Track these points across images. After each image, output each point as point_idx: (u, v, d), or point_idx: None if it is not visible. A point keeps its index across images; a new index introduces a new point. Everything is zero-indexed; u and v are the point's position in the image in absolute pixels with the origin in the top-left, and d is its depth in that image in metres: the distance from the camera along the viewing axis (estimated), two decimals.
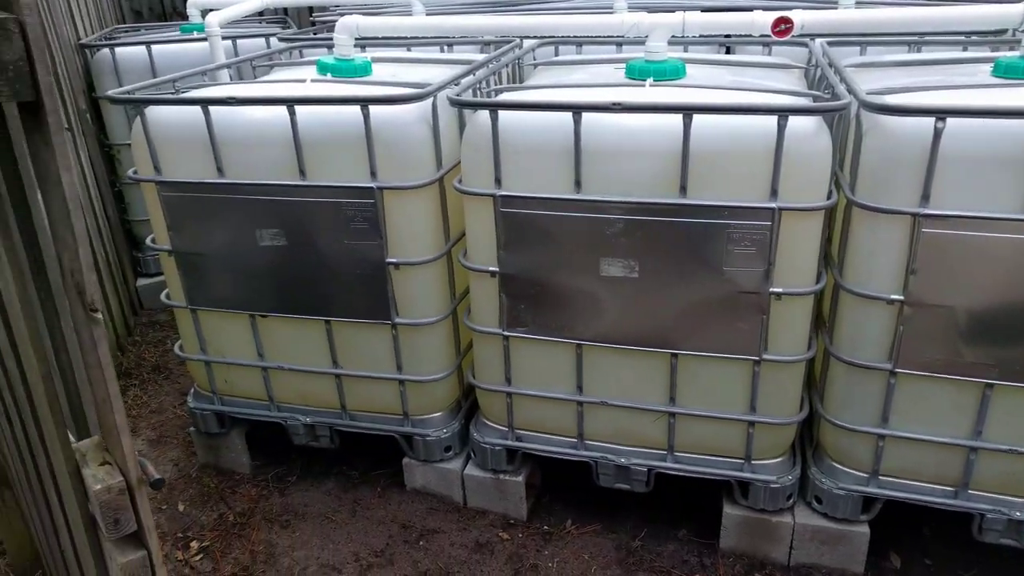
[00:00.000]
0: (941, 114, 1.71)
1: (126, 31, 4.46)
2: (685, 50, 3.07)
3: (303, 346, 2.47)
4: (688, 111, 1.86)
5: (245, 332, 2.50)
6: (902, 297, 1.88)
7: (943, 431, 1.99)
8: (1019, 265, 1.77)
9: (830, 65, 2.37)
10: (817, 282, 2.00)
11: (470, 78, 2.40)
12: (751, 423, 2.12)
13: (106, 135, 3.99)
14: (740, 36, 3.27)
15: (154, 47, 3.85)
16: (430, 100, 2.19)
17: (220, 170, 2.27)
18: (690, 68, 2.39)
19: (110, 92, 2.35)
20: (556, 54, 3.24)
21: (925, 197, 1.79)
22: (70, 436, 1.17)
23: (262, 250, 2.33)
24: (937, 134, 1.72)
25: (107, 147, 4.00)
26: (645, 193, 1.96)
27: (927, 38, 2.79)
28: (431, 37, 3.40)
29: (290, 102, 2.14)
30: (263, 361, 2.53)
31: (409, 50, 3.29)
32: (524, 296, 2.17)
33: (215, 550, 2.46)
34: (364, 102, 2.10)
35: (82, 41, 3.92)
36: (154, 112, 2.28)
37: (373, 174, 2.16)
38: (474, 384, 2.41)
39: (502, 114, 2.02)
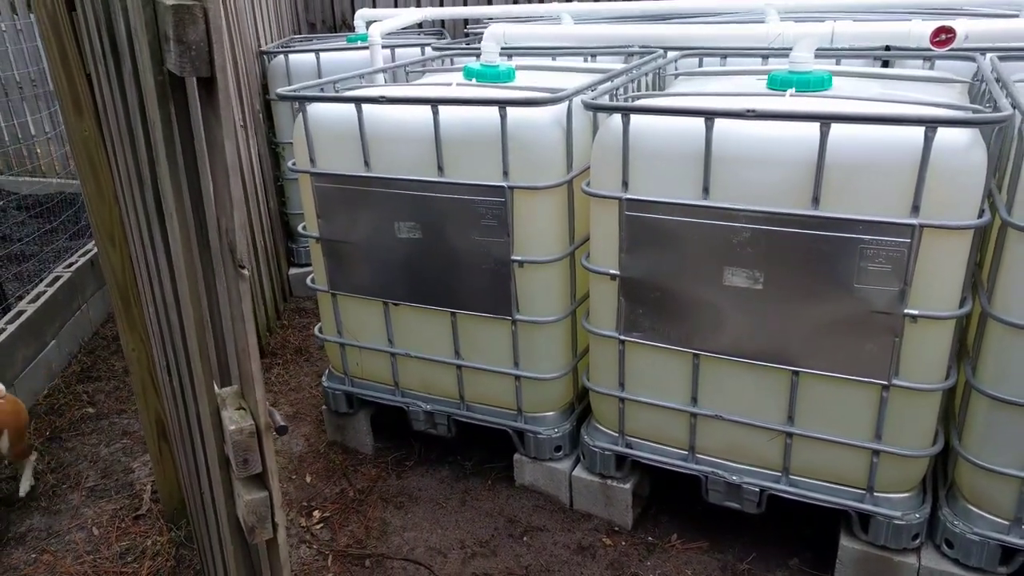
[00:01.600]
0: None
1: (300, 40, 4.87)
2: (837, 63, 2.96)
3: (429, 335, 2.60)
4: (825, 120, 1.80)
5: (378, 318, 2.66)
6: None
7: None
8: None
9: (997, 79, 2.20)
10: (961, 307, 1.87)
11: (607, 84, 2.45)
12: (875, 452, 2.00)
13: (275, 134, 4.38)
14: (900, 50, 3.11)
15: (322, 55, 4.19)
16: (565, 104, 2.26)
17: (367, 164, 2.44)
18: (837, 80, 2.31)
19: (278, 90, 2.59)
20: (700, 66, 3.22)
21: None
22: (215, 384, 1.31)
23: (399, 241, 2.48)
24: None
25: (274, 145, 4.38)
26: (775, 203, 1.92)
27: None
28: (577, 48, 3.50)
29: (434, 102, 2.28)
30: (391, 347, 2.68)
31: (555, 60, 3.38)
32: (643, 301, 2.17)
33: (334, 521, 2.62)
34: (502, 103, 2.19)
35: (262, 48, 4.33)
36: (314, 109, 2.49)
37: (505, 173, 2.25)
38: (588, 386, 2.43)
39: (634, 119, 2.05)
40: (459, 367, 2.58)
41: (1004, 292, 1.83)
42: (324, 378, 2.94)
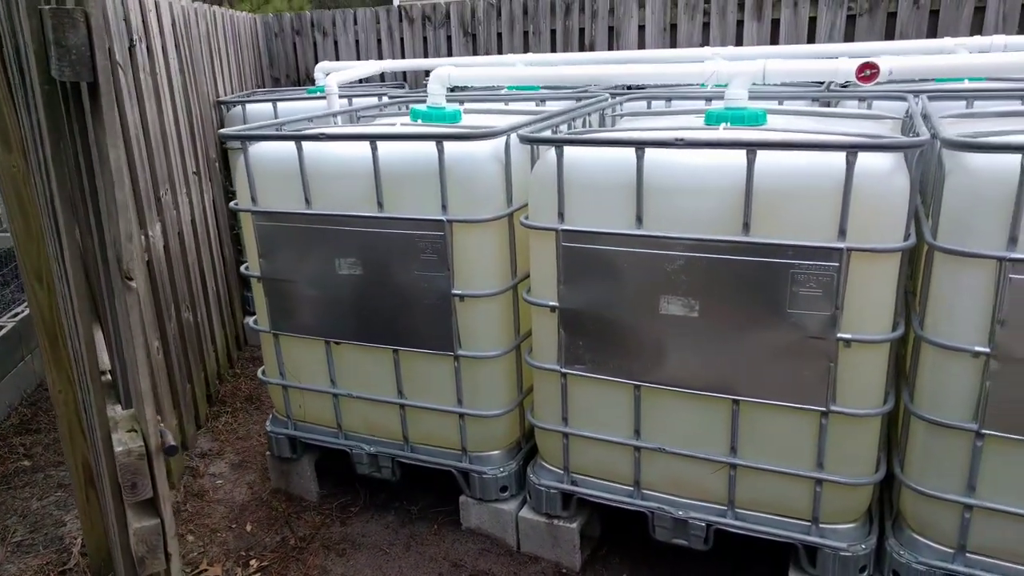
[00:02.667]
0: None
1: (262, 92, 4.92)
2: (780, 103, 3.03)
3: (372, 375, 2.55)
4: (751, 147, 1.82)
5: (320, 358, 2.60)
6: (988, 350, 1.72)
7: None
8: None
9: (922, 115, 2.26)
10: (894, 330, 1.87)
11: (548, 122, 2.47)
12: (818, 481, 1.96)
13: (231, 182, 4.37)
14: (839, 90, 3.20)
15: (280, 104, 4.22)
16: (503, 139, 2.27)
17: (308, 201, 2.43)
18: (772, 117, 2.36)
19: (221, 131, 2.58)
20: (649, 107, 3.29)
21: (1012, 240, 1.65)
22: (107, 404, 1.26)
23: (340, 278, 2.45)
24: None
25: (231, 192, 4.37)
26: (707, 230, 1.92)
27: None
28: (526, 95, 3.56)
29: (372, 138, 2.28)
30: (334, 388, 2.62)
31: (507, 104, 3.43)
32: (583, 333, 2.15)
33: (272, 570, 2.51)
34: (439, 138, 2.20)
35: (220, 99, 4.35)
36: (256, 149, 2.48)
37: (444, 207, 2.24)
38: (532, 422, 2.38)
39: (569, 151, 2.06)
40: (402, 406, 2.53)
41: (934, 314, 1.83)
42: (268, 422, 2.86)
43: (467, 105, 3.18)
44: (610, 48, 5.07)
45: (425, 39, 5.67)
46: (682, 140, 1.88)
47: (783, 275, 1.86)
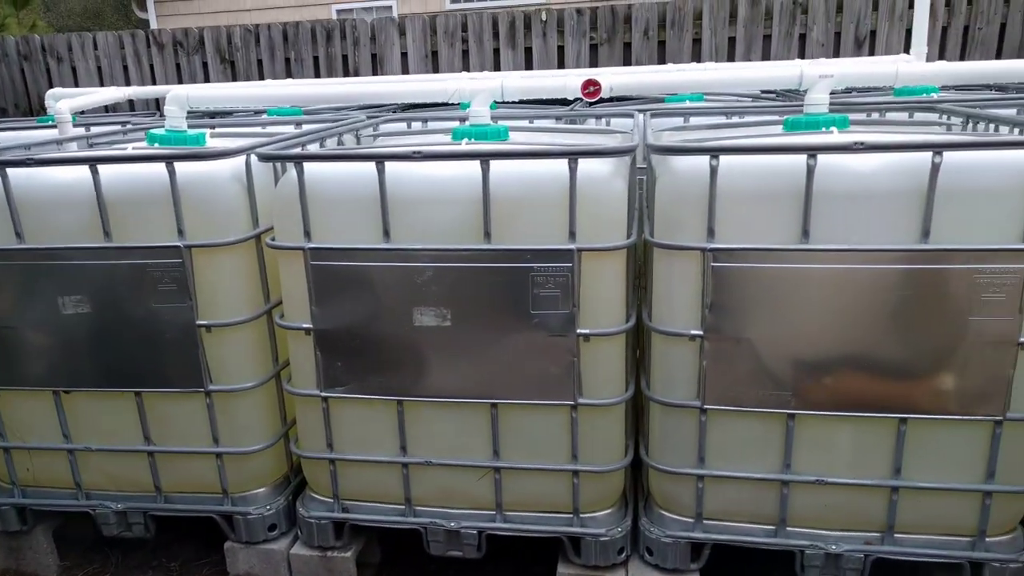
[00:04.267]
0: (715, 152, 1.81)
1: None
2: (530, 122, 3.20)
3: (113, 423, 2.30)
4: (485, 157, 1.90)
5: (48, 411, 2.31)
6: (701, 332, 1.91)
7: (755, 467, 1.99)
8: (802, 293, 1.84)
9: (647, 131, 2.49)
10: (627, 322, 2.02)
11: (293, 142, 2.41)
12: (575, 473, 2.06)
13: None
14: (582, 109, 3.45)
15: (2, 134, 3.75)
16: (243, 158, 2.17)
17: (19, 235, 2.15)
18: (516, 133, 2.48)
19: None
20: (409, 127, 3.33)
21: (711, 232, 1.85)
22: None
23: (65, 319, 2.19)
24: (713, 171, 1.81)
25: None
26: (452, 240, 1.96)
27: (746, 108, 3.01)
28: (286, 120, 3.45)
29: (92, 161, 2.08)
30: (68, 443, 2.33)
31: (264, 128, 3.30)
32: (340, 353, 2.10)
33: None
34: (169, 159, 2.06)
35: None
36: None
37: (180, 232, 2.09)
38: (296, 453, 2.28)
39: (314, 168, 2.02)
40: (151, 454, 2.30)
41: (658, 304, 2.01)
42: None
43: (219, 129, 3.03)
44: (374, 74, 5.10)
45: (179, 66, 5.34)
46: (419, 153, 1.92)
47: (525, 278, 1.95)
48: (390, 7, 10.24)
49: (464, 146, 2.19)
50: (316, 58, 5.19)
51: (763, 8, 5.27)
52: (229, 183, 2.17)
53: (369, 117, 3.32)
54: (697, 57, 4.80)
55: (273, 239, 2.13)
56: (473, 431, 2.11)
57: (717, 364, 1.93)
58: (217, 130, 2.97)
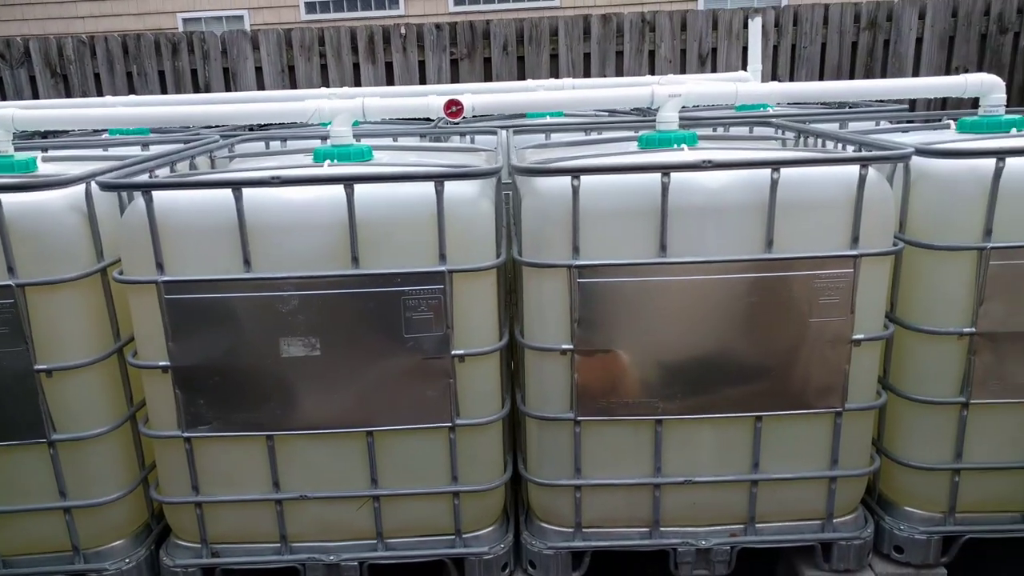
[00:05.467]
0: (575, 172, 1.87)
1: None
2: (395, 140, 3.17)
3: None
4: (348, 181, 1.86)
5: None
6: (571, 346, 1.97)
7: (629, 473, 2.07)
8: (662, 304, 1.93)
9: (510, 149, 2.54)
10: (500, 340, 2.05)
11: (141, 167, 2.26)
12: (456, 494, 2.06)
13: None
14: (446, 127, 3.47)
15: None
16: (82, 187, 2.01)
17: None
18: (380, 153, 2.45)
19: None
20: (268, 147, 3.20)
21: (576, 250, 1.91)
22: None
23: None
24: (575, 191, 1.87)
25: None
26: (318, 267, 1.91)
27: (603, 124, 3.14)
28: (130, 140, 3.23)
29: None
30: None
31: (106, 150, 3.07)
32: (202, 390, 1.98)
33: None
34: None
35: None
36: None
37: (10, 270, 1.91)
38: (157, 499, 2.13)
39: (165, 197, 1.90)
40: None
41: (529, 322, 2.05)
42: None
43: (53, 152, 2.78)
44: (227, 89, 4.88)
45: (0, 79, 4.87)
46: (278, 178, 1.85)
47: (396, 302, 1.92)
48: (241, 16, 9.85)
49: (326, 168, 2.14)
50: (162, 72, 4.89)
51: (615, 26, 5.52)
52: (67, 214, 2.00)
53: (224, 136, 3.17)
54: (555, 72, 4.96)
55: (121, 273, 1.98)
56: (350, 460, 2.06)
57: (588, 376, 1.99)
58: (51, 153, 2.74)
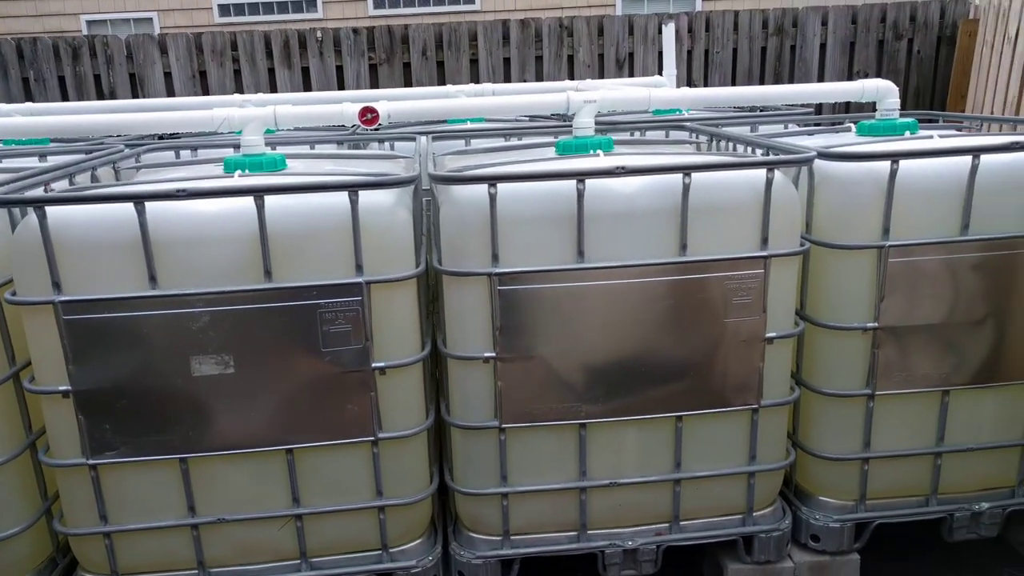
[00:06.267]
0: (492, 180, 1.86)
1: None
2: (312, 147, 3.09)
3: None
4: (259, 192, 1.80)
5: None
6: (495, 354, 1.96)
7: (555, 478, 2.07)
8: (582, 309, 1.94)
9: (429, 155, 2.52)
10: (422, 350, 2.02)
11: (35, 180, 2.13)
12: (381, 508, 2.02)
13: None
14: (364, 133, 3.41)
15: None
16: None
17: None
18: (294, 161, 2.38)
19: None
20: (178, 156, 3.08)
21: (495, 257, 1.91)
22: None
23: None
24: (492, 199, 1.86)
25: None
26: (229, 282, 1.84)
27: (522, 130, 3.15)
28: (21, 151, 3.05)
29: None
30: None
31: None
32: (107, 414, 1.88)
33: None
34: None
35: None
36: None
37: None
38: (62, 532, 2.01)
39: (61, 211, 1.80)
40: None
41: (451, 331, 2.03)
42: None
43: None
44: (134, 95, 4.67)
45: None
46: (184, 191, 1.78)
47: (312, 316, 1.88)
48: (151, 19, 9.47)
49: (237, 179, 2.08)
50: (62, 78, 4.65)
51: (533, 31, 5.56)
52: None
53: (130, 146, 3.03)
54: (475, 76, 4.96)
55: (14, 293, 1.86)
56: (270, 480, 1.99)
57: (511, 383, 1.99)
58: None
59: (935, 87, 5.91)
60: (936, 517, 2.28)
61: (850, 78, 5.92)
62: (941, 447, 2.21)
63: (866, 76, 5.76)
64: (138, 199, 1.78)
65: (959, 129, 2.96)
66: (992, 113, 5.04)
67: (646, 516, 2.17)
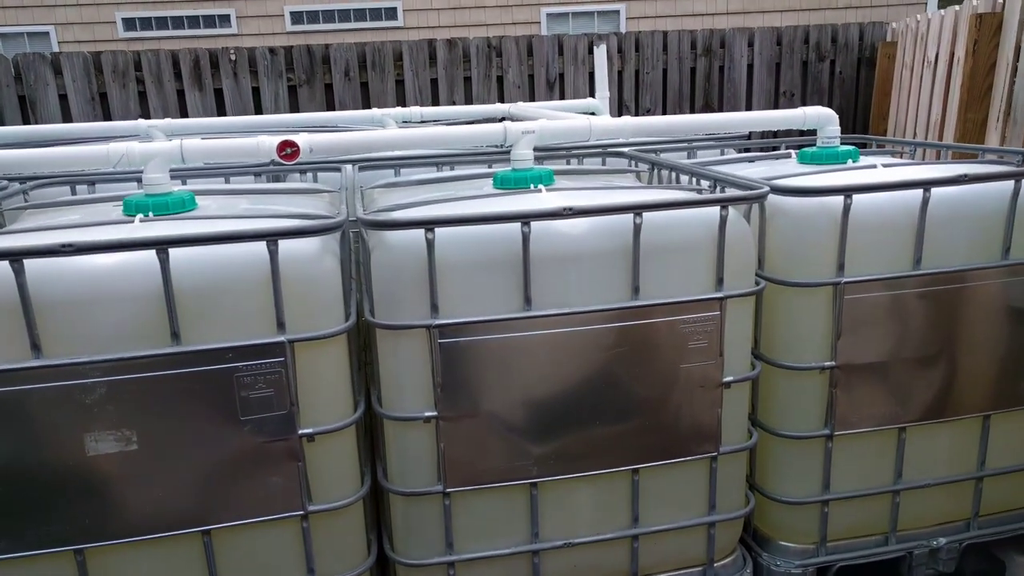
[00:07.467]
0: (429, 225, 1.69)
1: None
2: (227, 180, 2.85)
3: None
4: (161, 246, 1.58)
5: None
6: (435, 413, 1.78)
7: (506, 542, 1.91)
8: (530, 360, 1.79)
9: (356, 188, 2.33)
10: (355, 412, 1.83)
11: None
12: None
13: None
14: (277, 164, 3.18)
15: None
16: None
17: None
18: (204, 200, 2.16)
19: None
20: (74, 192, 2.78)
21: (434, 308, 1.74)
22: None
23: None
24: (430, 244, 1.69)
25: None
26: (128, 347, 1.61)
27: (456, 158, 2.99)
28: None
29: None
30: None
31: None
32: None
33: None
34: None
35: None
36: None
37: None
38: None
39: None
40: None
41: (387, 388, 1.84)
42: None
43: None
44: (25, 120, 4.28)
45: None
46: (70, 245, 1.54)
47: (228, 381, 1.66)
48: (47, 33, 8.89)
49: (137, 225, 1.84)
50: None
51: (461, 51, 5.43)
52: None
53: (17, 179, 2.72)
54: (402, 98, 4.76)
55: None
56: (184, 567, 1.76)
57: (456, 444, 1.81)
58: None
59: (857, 107, 6.07)
60: (895, 556, 2.22)
61: (777, 99, 6.01)
62: (899, 484, 2.16)
63: (792, 96, 5.87)
64: (14, 256, 1.53)
65: (894, 155, 2.97)
66: (915, 134, 5.18)
67: (602, 575, 2.03)
